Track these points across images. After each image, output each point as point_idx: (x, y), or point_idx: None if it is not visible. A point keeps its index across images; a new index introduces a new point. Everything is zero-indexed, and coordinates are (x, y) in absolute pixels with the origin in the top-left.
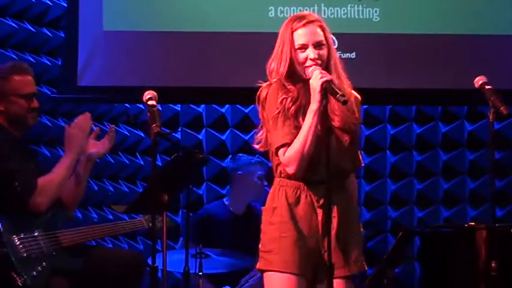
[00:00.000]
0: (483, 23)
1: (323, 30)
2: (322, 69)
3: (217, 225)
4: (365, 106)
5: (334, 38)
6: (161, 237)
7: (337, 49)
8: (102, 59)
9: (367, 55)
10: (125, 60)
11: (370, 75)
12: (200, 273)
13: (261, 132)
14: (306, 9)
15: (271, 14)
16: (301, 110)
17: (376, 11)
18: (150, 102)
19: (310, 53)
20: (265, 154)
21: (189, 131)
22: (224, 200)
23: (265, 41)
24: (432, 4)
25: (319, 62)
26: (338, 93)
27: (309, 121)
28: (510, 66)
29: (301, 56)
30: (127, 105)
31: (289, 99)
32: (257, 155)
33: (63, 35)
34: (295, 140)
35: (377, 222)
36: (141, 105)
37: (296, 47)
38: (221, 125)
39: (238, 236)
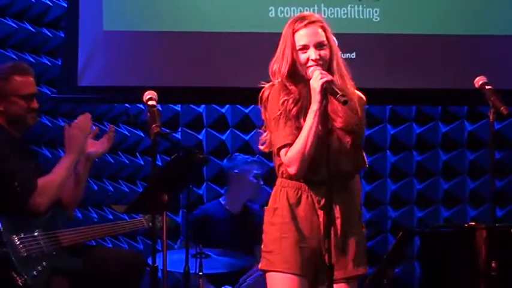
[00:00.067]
0: (483, 23)
1: (324, 30)
2: (325, 69)
3: (215, 225)
4: (365, 106)
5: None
6: (161, 237)
7: None
8: (102, 59)
9: (367, 55)
10: (125, 60)
11: (370, 75)
12: (200, 273)
13: (266, 133)
14: (306, 10)
15: (272, 14)
16: (303, 111)
17: (376, 11)
18: (150, 102)
19: (312, 53)
20: (264, 154)
21: (189, 131)
22: (220, 199)
23: (265, 41)
24: (432, 4)
25: (320, 62)
26: (338, 94)
27: (309, 121)
28: (510, 66)
29: (303, 56)
30: (127, 105)
31: (290, 100)
32: (257, 155)
33: (63, 35)
34: (297, 141)
35: (377, 222)
36: (141, 105)
37: (297, 47)
38: (221, 125)
39: (235, 235)
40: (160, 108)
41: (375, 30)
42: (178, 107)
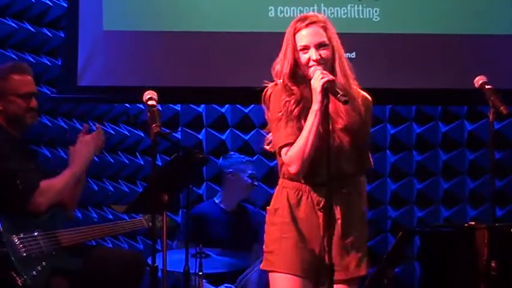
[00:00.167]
0: (483, 22)
1: (326, 30)
2: (328, 69)
3: (210, 224)
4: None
5: None
6: (161, 237)
7: None
8: (102, 59)
9: (367, 55)
10: (125, 60)
11: (370, 75)
12: (200, 273)
13: (271, 133)
14: (306, 9)
15: (271, 14)
16: (304, 112)
17: (376, 11)
18: (150, 102)
19: (312, 54)
20: (264, 154)
21: (189, 131)
22: (214, 198)
23: (265, 41)
24: (432, 4)
25: (322, 62)
26: (339, 93)
27: (310, 121)
28: (510, 66)
29: (304, 57)
30: (127, 105)
31: (292, 101)
32: (257, 155)
33: (63, 35)
34: (297, 140)
35: (377, 222)
36: (141, 105)
37: (298, 48)
38: (221, 125)
39: (231, 233)
40: (160, 108)
41: (374, 30)
42: (178, 107)
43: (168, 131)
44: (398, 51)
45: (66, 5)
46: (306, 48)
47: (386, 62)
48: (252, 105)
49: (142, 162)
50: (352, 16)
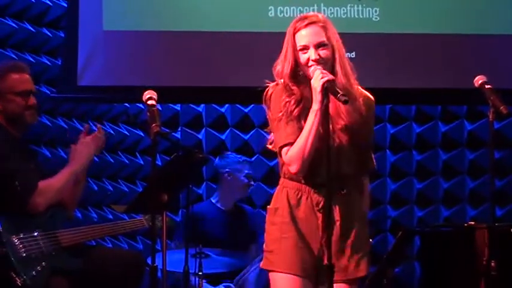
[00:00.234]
0: (482, 22)
1: (325, 30)
2: (328, 69)
3: (208, 224)
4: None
5: None
6: (161, 237)
7: None
8: (102, 59)
9: (367, 55)
10: (125, 60)
11: (369, 75)
12: (200, 273)
13: (273, 133)
14: (306, 9)
15: (271, 13)
16: (304, 113)
17: (375, 11)
18: (149, 102)
19: (312, 53)
20: (264, 154)
21: (189, 131)
22: (211, 198)
23: (265, 41)
24: (432, 4)
25: (321, 62)
26: (339, 93)
27: (310, 121)
28: (510, 66)
29: (303, 57)
30: (127, 104)
31: (292, 101)
32: (257, 155)
33: (63, 34)
34: (298, 140)
35: (377, 221)
36: (140, 105)
37: (298, 48)
38: (221, 124)
39: (229, 232)
40: (160, 108)
41: (374, 29)
42: (178, 107)
43: (167, 130)
44: (398, 51)
45: (66, 5)
46: (305, 48)
47: (386, 62)
48: (252, 105)
49: (142, 162)
50: (352, 16)
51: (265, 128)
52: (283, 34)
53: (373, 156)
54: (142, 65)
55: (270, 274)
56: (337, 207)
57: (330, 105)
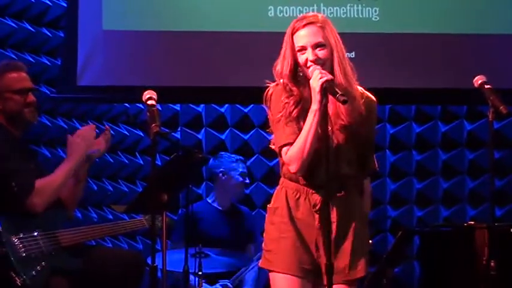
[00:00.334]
0: (482, 22)
1: (324, 31)
2: (327, 69)
3: (205, 223)
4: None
5: None
6: (161, 237)
7: None
8: (102, 59)
9: (367, 55)
10: (124, 60)
11: (369, 75)
12: (200, 273)
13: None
14: (305, 9)
15: (271, 13)
16: (304, 113)
17: (375, 11)
18: (149, 102)
19: (309, 54)
20: (264, 154)
21: (189, 131)
22: (207, 199)
23: (264, 41)
24: (431, 3)
25: (320, 62)
26: (338, 93)
27: (309, 121)
28: (509, 66)
29: (302, 57)
30: (126, 104)
31: (291, 102)
32: (256, 155)
33: (62, 34)
34: (297, 140)
35: (376, 221)
36: (140, 105)
37: (296, 49)
38: (220, 124)
39: (226, 232)
40: (159, 108)
41: (374, 29)
42: (177, 107)
43: (167, 130)
44: (398, 50)
45: (65, 5)
46: (303, 48)
47: (386, 62)
48: (252, 105)
49: (141, 162)
50: (352, 16)
51: (266, 128)
52: (283, 34)
53: (375, 157)
54: (142, 65)
55: (270, 274)
56: (334, 209)
57: (329, 105)
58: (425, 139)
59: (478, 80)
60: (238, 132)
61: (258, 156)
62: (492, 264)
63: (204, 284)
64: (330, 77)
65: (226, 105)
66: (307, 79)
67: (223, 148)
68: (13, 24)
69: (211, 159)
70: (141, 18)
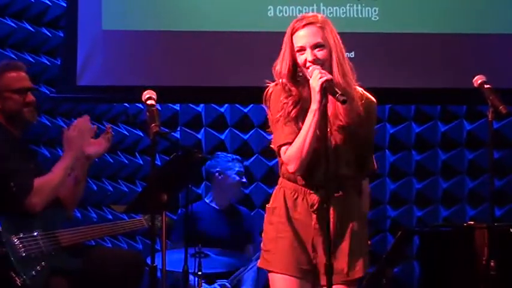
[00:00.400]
0: (482, 22)
1: (323, 31)
2: (326, 70)
3: (203, 223)
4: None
5: None
6: (160, 237)
7: None
8: (101, 59)
9: (366, 54)
10: (124, 60)
11: (369, 75)
12: (199, 273)
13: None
14: (305, 9)
15: (270, 13)
16: (302, 114)
17: (375, 10)
18: (149, 102)
19: (308, 55)
20: (264, 154)
21: (188, 131)
22: (205, 199)
23: (264, 41)
24: (431, 3)
25: (319, 62)
26: (337, 93)
27: (308, 121)
28: (509, 65)
29: (301, 58)
30: (126, 104)
31: (289, 102)
32: (256, 155)
33: (62, 34)
34: (296, 139)
35: (376, 221)
36: (140, 105)
37: (295, 49)
38: (220, 124)
39: (225, 231)
40: (159, 108)
41: (373, 29)
42: (177, 107)
43: (167, 130)
44: (397, 50)
45: (65, 5)
46: (302, 49)
47: (385, 62)
48: (251, 105)
49: (141, 162)
50: (351, 15)
51: (266, 128)
52: (283, 34)
53: (374, 158)
54: (142, 65)
55: (269, 274)
56: (332, 209)
57: (328, 105)
58: (425, 139)
59: (478, 79)
60: (237, 132)
61: (257, 156)
62: (492, 264)
63: (203, 283)
64: (329, 76)
65: (226, 105)
66: (306, 79)
67: (222, 148)
68: (13, 24)
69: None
70: (141, 18)
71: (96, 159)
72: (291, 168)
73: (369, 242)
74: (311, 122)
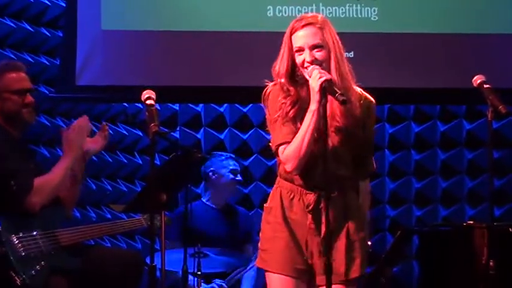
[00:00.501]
0: (482, 21)
1: (322, 32)
2: (325, 70)
3: (201, 222)
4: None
5: None
6: (159, 237)
7: None
8: (101, 59)
9: (366, 54)
10: (123, 60)
11: (368, 75)
12: (199, 273)
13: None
14: (304, 9)
15: (270, 13)
16: (301, 114)
17: (374, 10)
18: (148, 102)
19: (306, 55)
20: (263, 154)
21: (188, 130)
22: (202, 198)
23: (263, 41)
24: (431, 3)
25: (317, 63)
26: (337, 93)
27: (307, 120)
28: (508, 65)
29: (299, 58)
30: (125, 104)
31: (287, 103)
32: (255, 154)
33: (61, 34)
34: (294, 139)
35: (375, 221)
36: (139, 105)
37: (294, 49)
38: (219, 124)
39: (223, 230)
40: (158, 108)
41: (373, 29)
42: (176, 106)
43: (166, 130)
44: (397, 50)
45: (64, 5)
46: (301, 49)
47: (385, 62)
48: (251, 105)
49: (140, 162)
50: (351, 15)
51: (265, 127)
52: (282, 34)
53: (373, 159)
54: (141, 65)
55: (266, 273)
56: (329, 209)
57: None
58: (424, 139)
59: (477, 79)
60: (237, 132)
61: (257, 156)
62: (491, 263)
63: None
64: (329, 76)
65: (225, 104)
66: (305, 79)
67: (222, 148)
68: (12, 24)
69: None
70: (140, 18)
71: (96, 159)
72: (289, 167)
73: (369, 243)
74: (310, 121)
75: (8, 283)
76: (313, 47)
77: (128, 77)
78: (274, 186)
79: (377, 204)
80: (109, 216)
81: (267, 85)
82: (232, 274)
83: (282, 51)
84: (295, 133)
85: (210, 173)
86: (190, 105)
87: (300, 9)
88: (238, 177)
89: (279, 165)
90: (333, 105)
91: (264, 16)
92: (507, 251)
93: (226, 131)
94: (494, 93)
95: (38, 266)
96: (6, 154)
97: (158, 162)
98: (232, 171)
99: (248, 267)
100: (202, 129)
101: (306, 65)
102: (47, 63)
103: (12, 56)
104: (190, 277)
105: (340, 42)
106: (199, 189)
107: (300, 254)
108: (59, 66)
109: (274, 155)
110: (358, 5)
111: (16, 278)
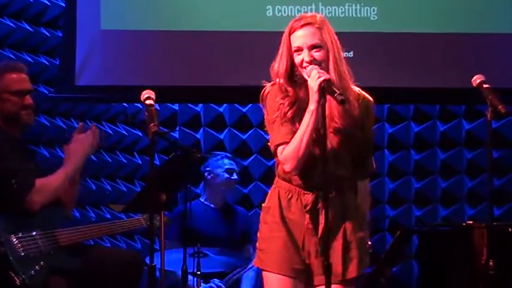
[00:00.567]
0: (482, 21)
1: (321, 32)
2: (324, 70)
3: (200, 222)
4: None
5: None
6: (159, 236)
7: None
8: (100, 58)
9: (365, 54)
10: (123, 60)
11: (367, 74)
12: (198, 272)
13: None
14: (304, 8)
15: (269, 13)
16: (299, 114)
17: (373, 10)
18: (148, 102)
19: (305, 55)
20: (262, 153)
21: (187, 130)
22: (200, 198)
23: (263, 40)
24: (430, 2)
25: (315, 63)
26: (336, 93)
27: (306, 120)
28: (508, 65)
29: (298, 58)
30: (125, 104)
31: (286, 103)
32: (255, 154)
33: (61, 34)
34: (293, 139)
35: (375, 220)
36: (139, 105)
37: (293, 49)
38: (219, 124)
39: (221, 229)
40: (158, 108)
41: (372, 28)
42: (176, 106)
43: (166, 130)
44: (396, 50)
45: (64, 5)
46: (299, 49)
47: (384, 61)
48: (250, 105)
49: (140, 162)
50: (350, 15)
51: (264, 127)
52: (281, 33)
53: (373, 159)
54: (141, 65)
55: (263, 273)
56: (325, 209)
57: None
58: (424, 138)
59: (477, 79)
60: (236, 132)
61: (256, 156)
62: (491, 263)
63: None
64: (328, 76)
65: (225, 104)
66: (303, 79)
67: (221, 148)
68: (11, 24)
69: None
70: (139, 18)
71: (95, 159)
72: (287, 167)
73: (369, 243)
74: (308, 121)
75: (7, 283)
76: (312, 47)
77: (128, 77)
78: (273, 186)
79: (377, 204)
80: (108, 216)
81: (265, 85)
82: (231, 274)
83: (280, 50)
84: (294, 133)
85: (206, 173)
86: (190, 105)
87: (300, 9)
88: (234, 176)
89: (277, 165)
90: (332, 106)
91: (263, 16)
92: (507, 251)
93: (226, 131)
94: (494, 93)
95: (37, 266)
96: (6, 154)
97: (158, 162)
98: (228, 171)
99: (248, 268)
100: (201, 129)
101: (304, 65)
102: (47, 63)
103: (12, 56)
104: (190, 277)
105: (338, 42)
106: (199, 189)
107: (297, 253)
108: (58, 66)
109: (273, 155)
110: (358, 5)
111: (15, 278)
